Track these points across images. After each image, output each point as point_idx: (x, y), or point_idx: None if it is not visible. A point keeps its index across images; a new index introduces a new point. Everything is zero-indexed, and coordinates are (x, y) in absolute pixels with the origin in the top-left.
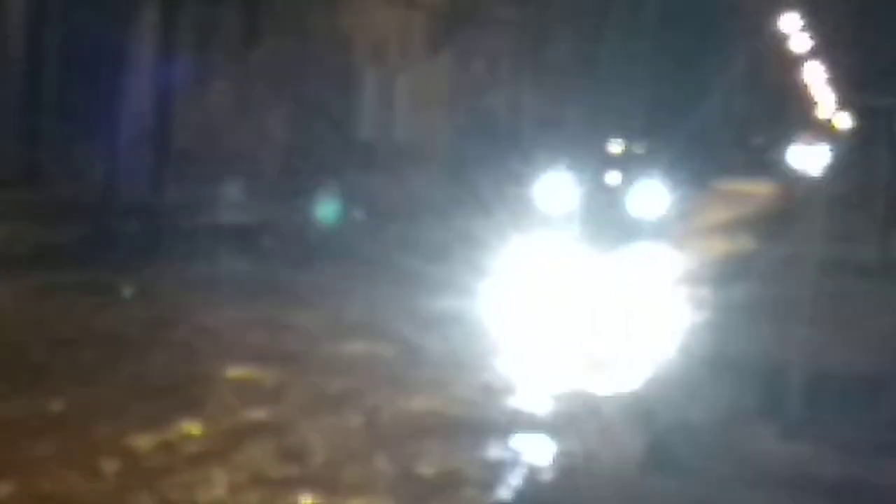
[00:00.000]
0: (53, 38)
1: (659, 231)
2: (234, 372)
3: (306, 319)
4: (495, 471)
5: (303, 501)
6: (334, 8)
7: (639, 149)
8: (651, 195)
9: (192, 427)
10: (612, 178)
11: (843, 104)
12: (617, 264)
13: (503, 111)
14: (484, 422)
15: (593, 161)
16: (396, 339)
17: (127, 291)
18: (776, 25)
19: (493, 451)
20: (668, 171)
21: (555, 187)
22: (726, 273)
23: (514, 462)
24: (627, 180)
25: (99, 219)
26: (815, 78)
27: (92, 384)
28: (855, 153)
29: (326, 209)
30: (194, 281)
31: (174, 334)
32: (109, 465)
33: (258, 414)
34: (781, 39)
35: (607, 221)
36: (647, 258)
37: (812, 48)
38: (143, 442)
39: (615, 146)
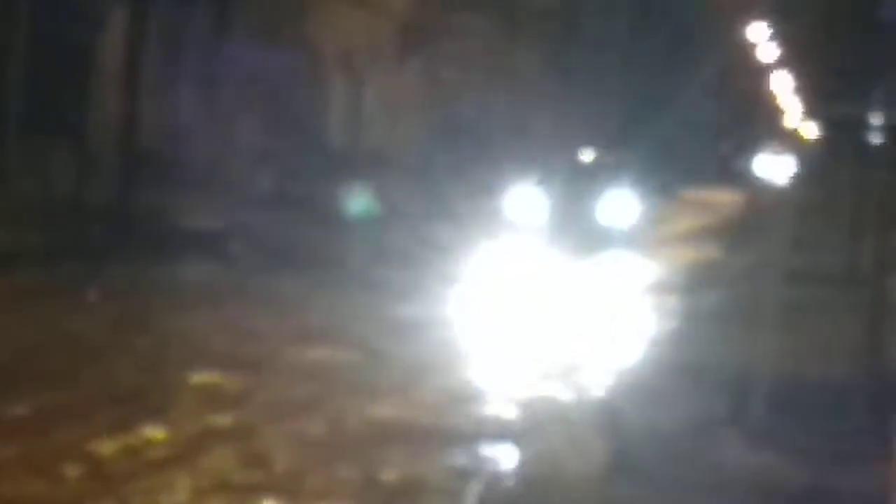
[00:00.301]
0: (20, 40)
1: (628, 240)
2: (199, 377)
3: (271, 325)
4: (459, 478)
5: None
6: (302, 14)
7: (609, 158)
8: (621, 204)
9: (156, 432)
10: (582, 186)
11: (810, 114)
12: (585, 272)
13: (473, 119)
14: (448, 428)
15: (563, 170)
16: (361, 345)
17: (93, 296)
18: (744, 35)
19: (458, 458)
20: (638, 180)
21: (525, 196)
22: (693, 281)
23: (478, 469)
24: (597, 189)
25: (65, 223)
26: (783, 87)
27: (56, 389)
28: (821, 163)
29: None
30: (160, 286)
31: (139, 339)
32: (73, 470)
33: (222, 420)
34: (749, 49)
35: (577, 230)
36: (615, 266)
37: (779, 58)
38: (106, 447)
39: (585, 155)
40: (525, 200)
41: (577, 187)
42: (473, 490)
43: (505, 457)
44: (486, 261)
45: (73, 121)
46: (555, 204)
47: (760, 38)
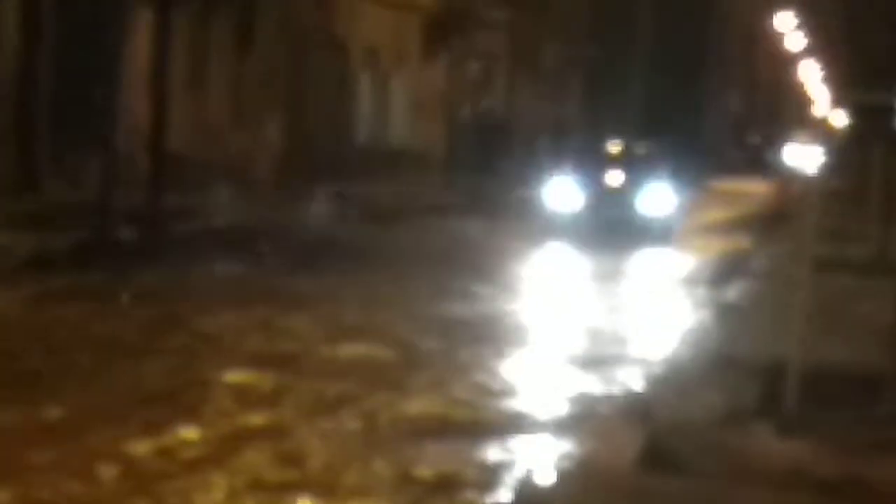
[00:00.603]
0: (47, 44)
1: (666, 231)
2: (232, 377)
3: (304, 323)
4: (493, 473)
5: None
6: (328, 12)
7: (639, 149)
8: (658, 195)
9: (190, 432)
10: (615, 178)
11: (838, 102)
12: (616, 265)
13: (501, 113)
14: (482, 424)
15: (595, 162)
16: (394, 342)
17: (124, 297)
18: (771, 25)
19: (491, 453)
20: (671, 170)
21: (559, 189)
22: (724, 272)
23: (511, 464)
24: (631, 181)
25: (95, 225)
26: (810, 76)
27: (89, 391)
28: (851, 151)
29: None
30: (191, 286)
31: (171, 340)
32: (107, 472)
33: (256, 418)
34: (776, 39)
35: (614, 222)
36: (646, 258)
37: (806, 47)
38: (141, 448)
39: (614, 146)
40: (560, 194)
41: (610, 179)
42: (507, 484)
43: (539, 451)
44: (518, 256)
45: (101, 125)
46: (590, 197)
47: (788, 27)
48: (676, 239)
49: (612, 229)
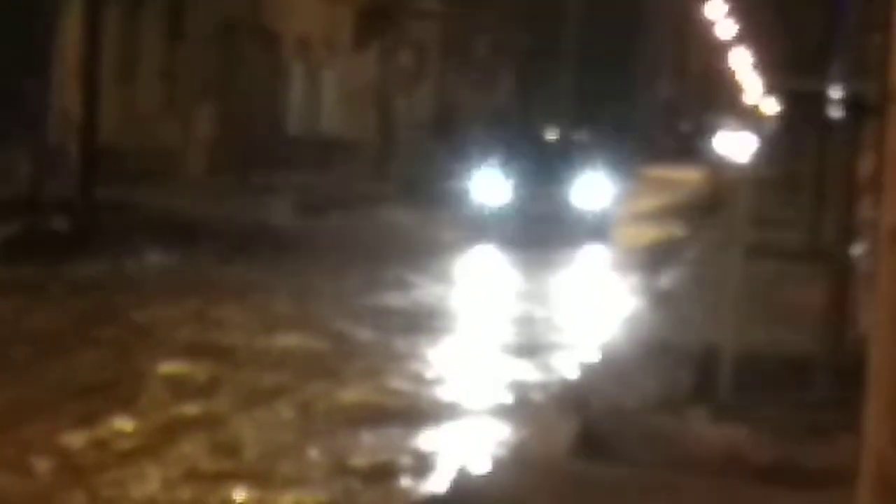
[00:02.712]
0: None
1: (600, 225)
2: (167, 368)
3: (238, 314)
4: (428, 461)
5: (237, 496)
6: (259, 2)
7: (574, 137)
8: (593, 187)
9: (125, 424)
10: (548, 168)
11: (770, 89)
12: (549, 255)
13: (431, 103)
14: (417, 412)
15: (525, 152)
16: (328, 332)
17: (56, 289)
18: (702, 12)
19: (426, 442)
20: (604, 159)
21: (486, 182)
22: (657, 260)
23: (447, 452)
24: (565, 170)
25: (26, 218)
26: (742, 64)
27: (22, 383)
28: (782, 138)
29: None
30: (124, 277)
31: (105, 331)
32: (42, 464)
33: (191, 409)
34: (707, 26)
35: (545, 217)
36: (579, 249)
37: (737, 34)
38: (75, 440)
39: (549, 135)
40: (485, 184)
41: (542, 169)
42: (441, 473)
43: (474, 439)
44: (453, 246)
45: (32, 117)
46: (521, 187)
47: (718, 14)
48: (611, 231)
49: (542, 224)
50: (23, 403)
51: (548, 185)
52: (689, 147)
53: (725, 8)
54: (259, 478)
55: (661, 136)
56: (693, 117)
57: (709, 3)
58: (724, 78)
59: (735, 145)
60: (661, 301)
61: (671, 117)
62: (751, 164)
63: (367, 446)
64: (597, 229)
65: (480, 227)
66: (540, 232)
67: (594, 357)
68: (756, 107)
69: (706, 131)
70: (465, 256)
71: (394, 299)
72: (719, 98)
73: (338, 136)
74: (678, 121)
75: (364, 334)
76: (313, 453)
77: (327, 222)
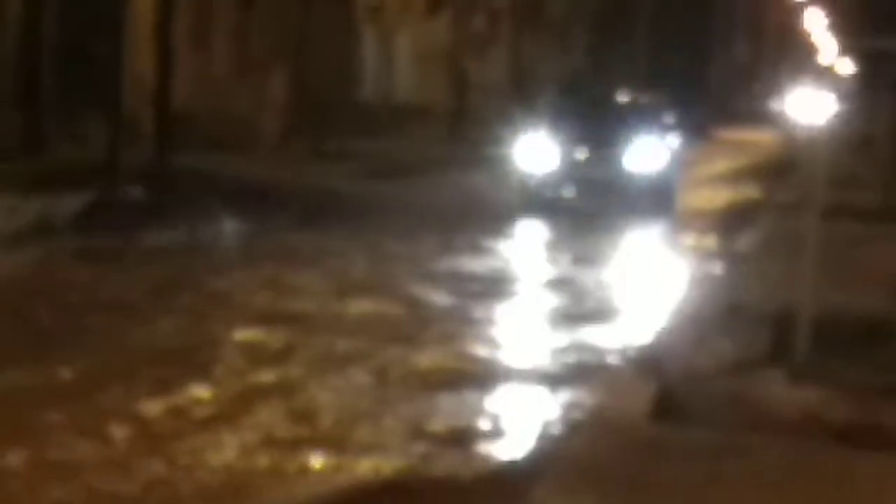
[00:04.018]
0: (50, 4)
1: (663, 186)
2: (242, 334)
3: (312, 280)
4: (504, 425)
5: (313, 462)
6: None
7: (639, 100)
8: (652, 149)
9: (202, 391)
10: (606, 131)
11: (845, 50)
12: (614, 219)
13: (505, 67)
14: (492, 377)
15: (580, 116)
16: (403, 297)
17: (131, 257)
18: None
19: (502, 406)
20: (672, 122)
21: (532, 148)
22: (732, 222)
23: (522, 416)
24: (623, 134)
25: (102, 185)
26: (817, 24)
27: (100, 351)
28: (857, 99)
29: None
30: (199, 245)
31: (180, 299)
32: (119, 432)
33: (267, 376)
34: None
35: (601, 178)
36: (644, 212)
37: None
38: (152, 407)
39: (620, 97)
40: (532, 150)
41: (599, 131)
42: (518, 437)
43: (548, 403)
44: (523, 211)
45: (106, 83)
46: (567, 153)
47: None
48: (675, 195)
49: (598, 189)
50: (100, 371)
51: (603, 149)
52: (764, 108)
53: None
54: (336, 444)
55: (736, 98)
56: (768, 78)
57: None
58: (799, 39)
59: (810, 107)
60: (737, 263)
61: (746, 78)
62: (827, 125)
63: (443, 411)
64: (658, 193)
65: (529, 196)
66: (597, 198)
67: (670, 320)
68: (831, 67)
69: (781, 92)
70: (540, 220)
71: (468, 264)
72: (795, 59)
73: (411, 101)
74: (753, 82)
75: (439, 299)
76: (390, 419)
77: (401, 187)
